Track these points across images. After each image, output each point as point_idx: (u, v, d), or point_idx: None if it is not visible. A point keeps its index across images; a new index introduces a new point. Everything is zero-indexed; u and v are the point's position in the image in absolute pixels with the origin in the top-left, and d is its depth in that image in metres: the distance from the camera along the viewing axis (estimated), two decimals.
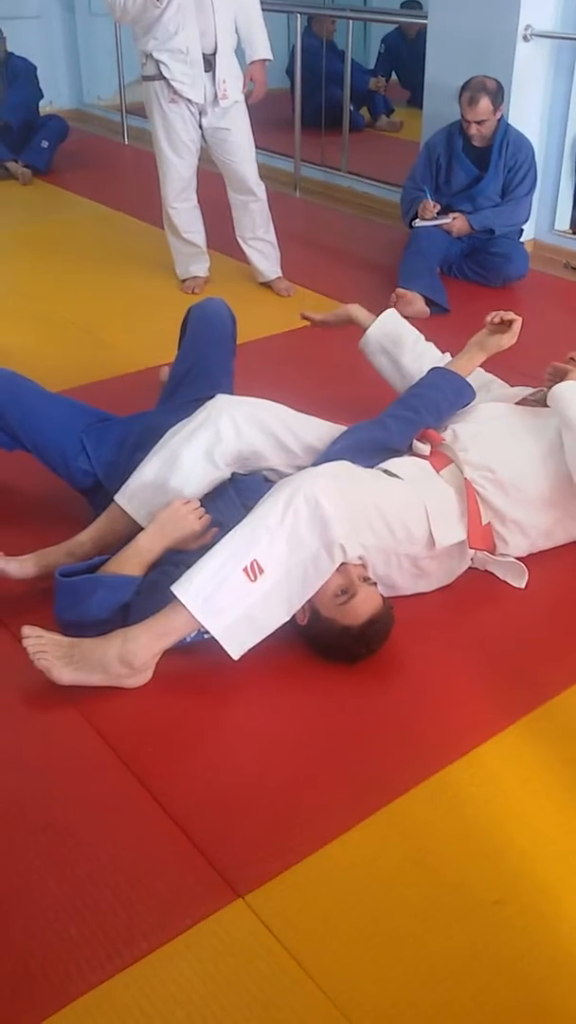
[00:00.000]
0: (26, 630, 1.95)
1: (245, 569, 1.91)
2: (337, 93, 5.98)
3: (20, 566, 2.21)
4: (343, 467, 2.13)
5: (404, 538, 2.12)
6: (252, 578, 1.91)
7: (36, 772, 1.83)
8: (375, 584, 2.06)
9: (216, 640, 1.93)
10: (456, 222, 4.12)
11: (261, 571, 1.91)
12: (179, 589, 1.91)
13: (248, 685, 2.01)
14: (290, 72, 6.02)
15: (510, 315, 2.53)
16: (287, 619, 1.99)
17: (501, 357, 2.60)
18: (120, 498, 2.23)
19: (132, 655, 1.93)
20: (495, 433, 2.36)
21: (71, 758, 1.86)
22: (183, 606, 1.90)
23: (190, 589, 1.91)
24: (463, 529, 2.22)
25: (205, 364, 2.61)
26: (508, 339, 2.55)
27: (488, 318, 2.54)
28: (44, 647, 1.93)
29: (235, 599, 1.91)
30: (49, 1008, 1.42)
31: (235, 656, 1.95)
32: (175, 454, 2.22)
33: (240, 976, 1.46)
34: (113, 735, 1.89)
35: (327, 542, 1.95)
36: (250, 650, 1.96)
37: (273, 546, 1.92)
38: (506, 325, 2.54)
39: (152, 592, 2.02)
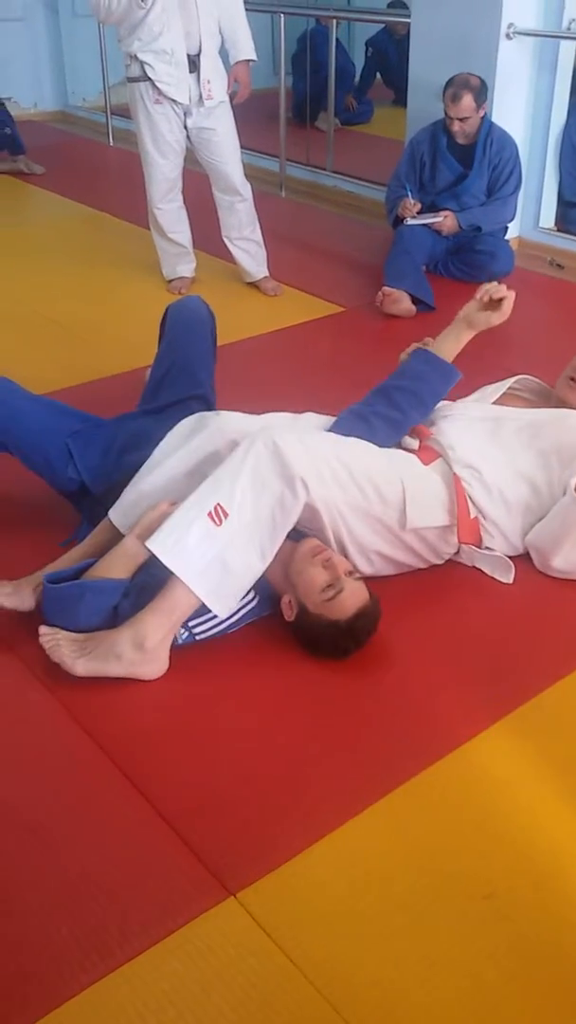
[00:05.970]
0: (43, 628, 2.00)
1: (209, 514, 1.95)
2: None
3: (20, 600, 2.14)
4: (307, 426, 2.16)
5: (375, 498, 2.13)
6: (217, 522, 1.94)
7: (25, 773, 1.83)
8: (361, 579, 2.07)
9: (205, 641, 1.93)
10: (447, 221, 4.13)
11: (225, 515, 1.95)
12: (149, 541, 1.96)
13: (237, 683, 2.01)
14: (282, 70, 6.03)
15: (501, 291, 2.36)
16: (262, 567, 2.01)
17: (486, 355, 2.60)
18: (114, 515, 2.20)
19: (143, 636, 1.96)
20: (483, 435, 2.35)
21: (60, 759, 1.86)
22: (178, 579, 1.93)
23: (157, 537, 1.96)
24: (443, 516, 2.23)
25: (185, 363, 2.60)
26: (498, 317, 2.38)
27: (478, 295, 2.38)
28: (59, 641, 1.98)
29: (202, 543, 1.94)
30: (42, 1008, 1.42)
31: (221, 614, 1.98)
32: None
33: (233, 973, 1.47)
34: (102, 735, 1.89)
35: (288, 478, 1.98)
36: (237, 646, 1.96)
37: (235, 489, 1.96)
38: (496, 303, 2.37)
39: (141, 594, 2.02)
